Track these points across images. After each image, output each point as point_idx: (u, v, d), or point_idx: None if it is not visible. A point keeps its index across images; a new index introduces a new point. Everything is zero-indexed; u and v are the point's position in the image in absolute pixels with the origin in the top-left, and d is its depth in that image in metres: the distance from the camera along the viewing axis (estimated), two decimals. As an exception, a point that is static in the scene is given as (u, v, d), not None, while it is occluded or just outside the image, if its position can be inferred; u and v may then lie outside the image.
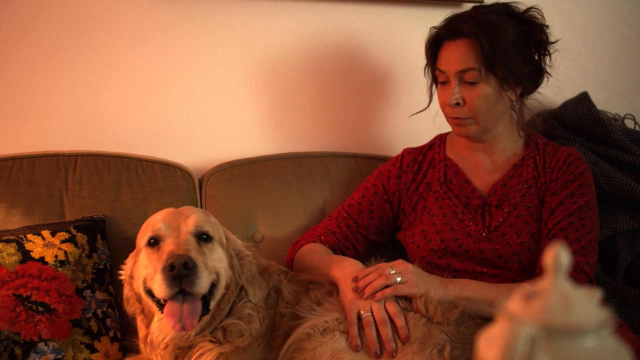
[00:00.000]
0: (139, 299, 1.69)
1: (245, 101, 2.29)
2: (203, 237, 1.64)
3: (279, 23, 2.28)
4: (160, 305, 1.60)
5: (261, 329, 1.69)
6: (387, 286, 1.65)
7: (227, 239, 1.72)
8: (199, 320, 1.58)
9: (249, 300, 1.70)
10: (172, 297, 1.54)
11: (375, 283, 1.65)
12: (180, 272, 1.51)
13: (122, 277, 1.74)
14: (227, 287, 1.67)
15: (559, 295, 0.82)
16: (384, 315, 1.63)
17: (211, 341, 1.63)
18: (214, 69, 2.26)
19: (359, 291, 1.66)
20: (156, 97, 2.23)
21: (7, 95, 2.12)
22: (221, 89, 2.27)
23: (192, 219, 1.65)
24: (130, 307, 1.72)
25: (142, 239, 1.68)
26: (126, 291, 1.73)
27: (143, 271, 1.64)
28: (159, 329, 1.65)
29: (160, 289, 1.52)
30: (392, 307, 1.64)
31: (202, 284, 1.54)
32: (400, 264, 1.71)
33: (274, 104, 2.31)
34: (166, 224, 1.65)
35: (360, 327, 1.63)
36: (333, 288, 1.76)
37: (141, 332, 1.71)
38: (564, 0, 2.49)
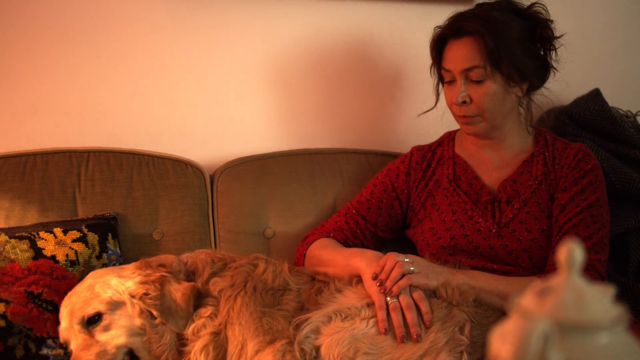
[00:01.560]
0: None
1: (257, 98, 2.30)
2: (94, 319, 1.60)
3: (290, 21, 2.28)
4: None
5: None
6: (403, 275, 1.66)
7: (130, 292, 1.65)
8: None
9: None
10: None
11: (394, 273, 1.65)
12: None
13: None
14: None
15: (573, 292, 0.82)
16: (410, 301, 1.64)
17: None
18: (226, 67, 2.26)
19: (379, 280, 1.66)
20: (168, 95, 2.23)
21: (21, 93, 2.13)
22: (233, 86, 2.27)
23: (77, 310, 1.60)
24: None
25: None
26: None
27: None
28: None
29: None
30: (417, 294, 1.65)
31: None
32: (411, 256, 1.72)
33: (285, 101, 2.32)
34: (64, 323, 1.63)
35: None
36: (352, 278, 1.76)
37: None
38: (575, -2, 2.48)
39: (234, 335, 1.62)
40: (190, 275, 1.74)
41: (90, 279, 1.67)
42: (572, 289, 0.82)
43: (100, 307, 1.59)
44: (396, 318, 1.62)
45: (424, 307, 1.63)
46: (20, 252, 1.74)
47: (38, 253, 1.76)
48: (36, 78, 2.14)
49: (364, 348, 1.60)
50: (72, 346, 1.59)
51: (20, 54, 2.12)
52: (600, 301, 0.82)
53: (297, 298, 1.73)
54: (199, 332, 1.64)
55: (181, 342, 1.66)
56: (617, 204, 2.18)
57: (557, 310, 0.80)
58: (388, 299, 1.64)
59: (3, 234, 1.77)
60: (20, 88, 2.13)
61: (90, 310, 1.59)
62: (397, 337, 1.60)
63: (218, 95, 2.27)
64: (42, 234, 1.80)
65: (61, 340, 1.63)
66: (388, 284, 1.64)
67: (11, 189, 1.96)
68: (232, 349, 1.62)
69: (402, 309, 1.63)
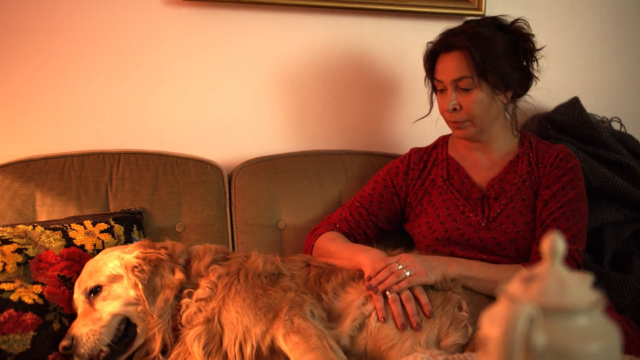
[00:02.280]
0: None
1: (270, 104, 2.29)
2: (95, 290, 1.63)
3: (300, 35, 2.28)
4: None
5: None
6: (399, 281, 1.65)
7: (126, 265, 1.66)
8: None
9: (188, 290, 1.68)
10: None
11: (387, 281, 1.64)
12: (66, 354, 1.58)
13: None
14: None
15: (555, 279, 0.82)
16: (409, 294, 1.63)
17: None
18: (241, 77, 2.26)
19: (373, 289, 1.65)
20: (190, 102, 2.23)
21: (60, 100, 2.14)
22: (248, 94, 2.27)
23: (82, 281, 1.66)
24: None
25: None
26: None
27: None
28: None
29: None
30: (416, 289, 1.65)
31: (86, 348, 1.57)
32: (404, 258, 1.70)
33: (295, 107, 2.31)
34: (75, 294, 1.68)
35: (387, 305, 1.63)
36: (355, 272, 1.75)
37: None
38: (557, 15, 2.47)
39: (231, 323, 1.59)
40: (192, 259, 1.74)
41: (99, 255, 1.72)
42: (554, 276, 0.82)
43: (101, 280, 1.64)
44: (396, 308, 1.61)
45: (423, 299, 1.63)
46: (54, 241, 1.75)
47: (69, 242, 1.77)
48: (74, 88, 2.14)
49: (387, 343, 1.58)
50: (78, 313, 1.64)
51: (62, 68, 2.12)
52: (579, 287, 0.82)
53: (292, 281, 1.72)
54: (192, 320, 1.63)
55: (175, 322, 1.65)
56: (594, 200, 2.18)
57: (541, 295, 0.80)
58: (387, 292, 1.63)
59: (39, 226, 1.78)
60: (60, 97, 2.14)
61: (91, 283, 1.64)
62: (397, 325, 1.59)
63: (235, 102, 2.27)
64: (73, 225, 1.82)
65: (74, 308, 1.67)
66: (381, 288, 1.63)
67: (52, 187, 1.97)
68: (231, 335, 1.59)
69: (401, 301, 1.63)
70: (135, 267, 1.64)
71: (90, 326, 1.58)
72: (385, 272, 1.66)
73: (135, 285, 1.63)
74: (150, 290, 1.63)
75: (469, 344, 1.56)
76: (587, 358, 0.78)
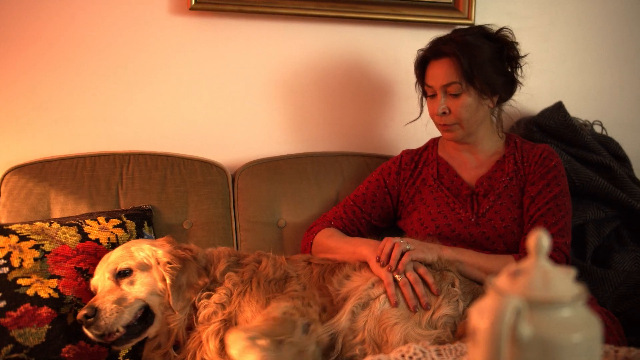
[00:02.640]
0: None
1: (271, 109, 2.30)
2: (124, 273, 1.62)
3: (299, 42, 2.28)
4: None
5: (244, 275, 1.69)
6: (402, 254, 1.65)
7: (157, 258, 1.67)
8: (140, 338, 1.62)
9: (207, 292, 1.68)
10: None
11: (394, 253, 1.64)
12: (85, 322, 1.54)
13: None
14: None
15: (540, 273, 0.82)
16: (417, 276, 1.63)
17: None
18: (245, 82, 2.26)
19: (384, 264, 1.65)
20: (197, 106, 2.24)
21: (73, 105, 2.14)
22: (250, 98, 2.27)
23: (111, 262, 1.64)
24: None
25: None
26: None
27: None
28: None
29: None
30: (421, 269, 1.65)
31: (107, 321, 1.53)
32: (405, 238, 1.72)
33: (294, 111, 2.32)
34: (97, 275, 1.65)
35: (397, 289, 1.63)
36: (356, 263, 1.75)
37: None
38: (542, 25, 2.47)
39: (245, 320, 1.60)
40: (207, 265, 1.73)
41: (129, 243, 1.71)
42: (539, 271, 0.83)
43: (132, 264, 1.62)
44: (407, 292, 1.60)
45: (430, 279, 1.63)
46: (69, 236, 1.75)
47: (84, 237, 1.77)
48: (87, 93, 2.14)
49: (391, 321, 1.58)
50: (99, 291, 1.61)
51: (76, 74, 2.13)
52: (563, 281, 0.83)
53: (298, 281, 1.72)
54: (210, 319, 1.62)
55: (190, 321, 1.65)
56: (577, 199, 2.18)
57: (527, 289, 0.81)
58: (397, 276, 1.63)
59: (56, 222, 1.78)
60: (73, 102, 2.14)
61: (123, 265, 1.62)
62: (410, 307, 1.58)
63: (238, 107, 2.27)
64: (87, 221, 1.82)
65: (91, 288, 1.65)
66: (392, 262, 1.64)
67: (65, 186, 1.98)
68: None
69: (410, 284, 1.63)
70: (168, 262, 1.64)
71: (115, 303, 1.56)
72: (389, 245, 1.66)
73: (163, 279, 1.63)
74: (177, 287, 1.62)
75: (460, 322, 1.57)
76: (570, 348, 0.79)
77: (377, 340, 1.57)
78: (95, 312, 1.52)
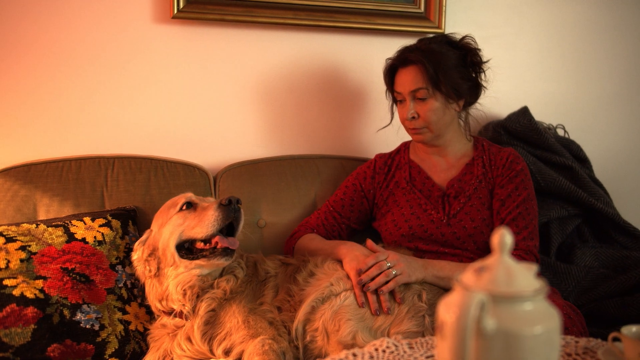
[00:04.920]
0: (159, 263, 1.70)
1: (251, 114, 2.29)
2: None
3: (278, 49, 2.28)
4: (192, 256, 1.67)
5: (244, 278, 1.74)
6: (387, 281, 1.67)
7: None
8: (232, 257, 1.66)
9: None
10: (216, 235, 1.64)
11: (378, 280, 1.66)
12: (235, 206, 1.64)
13: (135, 255, 1.75)
14: None
15: (503, 269, 0.83)
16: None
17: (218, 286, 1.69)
18: (226, 88, 2.25)
19: (364, 285, 1.66)
20: (179, 111, 2.22)
21: (59, 109, 2.11)
22: (231, 105, 2.27)
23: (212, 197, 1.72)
24: (144, 274, 1.73)
25: (170, 210, 1.74)
26: (141, 262, 1.73)
27: (177, 229, 1.69)
28: (178, 281, 1.67)
29: (212, 224, 1.63)
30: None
31: (242, 223, 1.67)
32: (392, 256, 1.71)
33: (274, 116, 2.31)
34: (195, 197, 1.75)
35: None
36: (318, 260, 1.79)
37: (155, 292, 1.71)
38: (508, 33, 2.50)
39: (225, 319, 1.64)
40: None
41: None
42: (503, 267, 0.84)
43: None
44: (371, 296, 1.65)
45: (396, 287, 1.67)
46: (55, 237, 1.73)
47: (71, 237, 1.75)
48: (72, 98, 2.12)
49: (346, 316, 1.61)
50: (207, 203, 1.74)
51: (62, 80, 2.10)
52: (525, 276, 0.84)
53: (275, 282, 1.75)
54: (211, 296, 1.67)
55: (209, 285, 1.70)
56: (542, 198, 2.21)
57: (491, 284, 0.82)
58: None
59: (42, 224, 1.76)
60: (59, 106, 2.11)
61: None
62: (371, 310, 1.63)
63: (219, 111, 2.26)
64: (74, 222, 1.80)
65: (185, 201, 1.73)
66: (372, 285, 1.66)
67: (51, 188, 1.95)
68: (221, 327, 1.65)
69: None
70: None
71: None
72: (375, 270, 1.67)
73: None
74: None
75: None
76: (532, 339, 0.80)
77: (328, 329, 1.60)
78: (240, 208, 1.72)
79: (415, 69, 1.85)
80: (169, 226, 1.70)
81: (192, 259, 1.66)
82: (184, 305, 1.66)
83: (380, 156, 2.08)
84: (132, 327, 1.73)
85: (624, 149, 2.66)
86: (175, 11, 2.11)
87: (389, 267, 1.67)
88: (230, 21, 2.18)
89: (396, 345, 1.18)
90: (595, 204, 2.21)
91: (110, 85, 2.15)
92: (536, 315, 0.81)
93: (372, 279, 1.66)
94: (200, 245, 1.67)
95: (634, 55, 2.63)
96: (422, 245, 1.87)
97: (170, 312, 1.69)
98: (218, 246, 1.65)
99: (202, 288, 1.67)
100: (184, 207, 1.72)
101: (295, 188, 2.16)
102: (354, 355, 1.13)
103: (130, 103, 2.17)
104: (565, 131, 2.46)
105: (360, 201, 2.02)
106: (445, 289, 1.72)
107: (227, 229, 1.70)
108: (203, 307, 1.65)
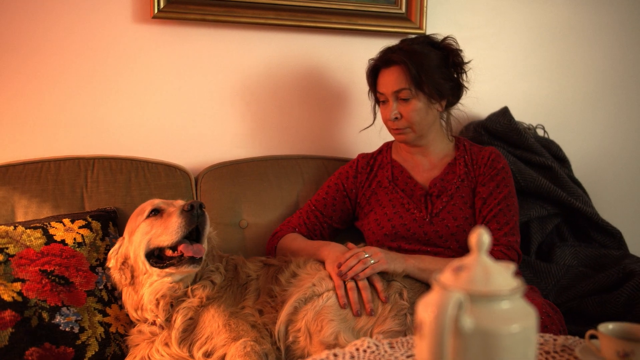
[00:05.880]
0: (132, 271, 1.69)
1: (233, 114, 2.28)
2: None
3: (259, 50, 2.27)
4: (161, 264, 1.64)
5: (223, 283, 1.73)
6: (365, 268, 1.68)
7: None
8: (200, 265, 1.64)
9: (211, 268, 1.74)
10: (182, 242, 1.61)
11: (356, 267, 1.67)
12: (198, 212, 1.61)
13: (110, 264, 1.73)
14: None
15: (481, 269, 0.84)
16: (366, 283, 1.67)
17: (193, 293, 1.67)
18: (207, 88, 2.24)
19: (342, 275, 1.68)
20: (160, 112, 2.21)
21: (38, 109, 2.09)
22: (213, 105, 2.26)
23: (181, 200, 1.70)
24: (120, 283, 1.71)
25: (138, 218, 1.71)
26: (116, 270, 1.71)
27: (144, 238, 1.66)
28: (151, 291, 1.65)
29: (176, 231, 1.60)
30: (373, 275, 1.69)
31: (207, 229, 1.65)
32: (369, 247, 1.74)
33: (255, 116, 2.31)
34: (162, 202, 1.71)
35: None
36: (300, 260, 1.79)
37: (131, 301, 1.69)
38: (488, 34, 2.51)
39: (205, 324, 1.63)
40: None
41: None
42: (480, 266, 0.84)
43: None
44: (352, 296, 1.65)
45: (380, 286, 1.67)
46: (34, 239, 1.71)
47: (50, 239, 1.73)
48: (51, 98, 2.10)
49: (328, 317, 1.61)
50: (173, 208, 1.70)
51: (39, 80, 2.08)
52: (502, 276, 0.85)
53: (256, 285, 1.75)
54: (187, 306, 1.66)
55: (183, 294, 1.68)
56: (522, 198, 2.23)
57: (469, 283, 0.82)
58: (346, 280, 1.67)
59: (20, 226, 1.73)
60: (38, 106, 2.09)
61: None
62: (353, 311, 1.64)
63: (201, 111, 2.25)
64: (53, 223, 1.78)
65: (152, 207, 1.71)
66: (350, 274, 1.67)
67: (29, 189, 1.92)
68: (201, 332, 1.64)
69: (358, 289, 1.66)
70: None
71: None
72: (354, 259, 1.69)
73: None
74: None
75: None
76: (509, 337, 0.80)
77: (311, 329, 1.60)
78: (204, 212, 1.68)
79: (398, 70, 1.86)
80: (138, 234, 1.68)
81: (162, 267, 1.64)
82: (157, 316, 1.65)
83: (363, 156, 2.08)
84: (112, 329, 1.71)
85: (603, 149, 2.69)
86: (156, 11, 2.10)
87: (367, 257, 1.69)
88: (211, 21, 2.17)
89: (377, 345, 1.18)
90: (575, 204, 2.23)
91: (90, 85, 2.13)
92: (513, 313, 0.82)
93: (351, 268, 1.68)
94: (169, 252, 1.65)
95: (612, 56, 2.66)
96: (405, 244, 1.88)
97: (145, 321, 1.68)
98: (184, 255, 1.62)
99: (175, 297, 1.66)
100: (152, 214, 1.69)
101: (277, 188, 2.15)
102: (335, 355, 1.13)
103: (110, 103, 2.16)
104: (544, 131, 2.48)
105: (343, 201, 2.03)
106: (428, 285, 1.73)
107: (196, 232, 1.67)
108: (179, 319, 1.63)
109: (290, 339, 1.63)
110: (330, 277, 1.71)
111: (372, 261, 1.68)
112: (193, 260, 1.62)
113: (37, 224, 1.76)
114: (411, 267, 1.73)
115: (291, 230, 2.00)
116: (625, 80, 2.69)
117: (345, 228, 2.08)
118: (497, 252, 1.78)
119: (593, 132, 2.67)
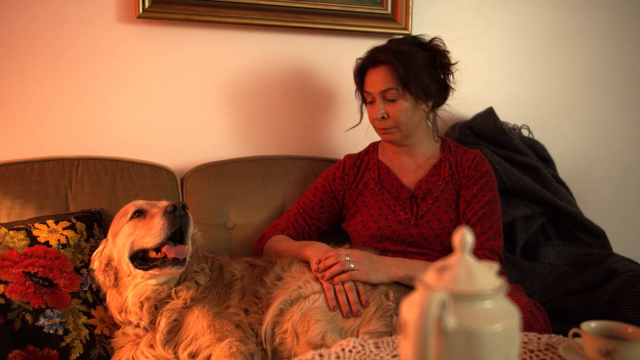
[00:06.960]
0: (116, 273, 1.68)
1: (218, 114, 2.28)
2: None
3: (245, 50, 2.27)
4: (145, 266, 1.63)
5: (208, 283, 1.73)
6: (343, 271, 1.69)
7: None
8: (184, 266, 1.63)
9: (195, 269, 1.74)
10: (166, 243, 1.60)
11: (334, 268, 1.68)
12: (181, 212, 1.60)
13: (94, 265, 1.72)
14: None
15: (464, 269, 0.84)
16: (351, 284, 1.68)
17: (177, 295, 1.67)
18: (193, 90, 2.24)
19: (319, 272, 1.68)
20: (145, 111, 2.20)
21: (21, 110, 2.08)
22: (199, 105, 2.25)
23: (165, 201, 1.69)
24: (104, 284, 1.70)
25: (121, 219, 1.70)
26: (100, 272, 1.70)
27: (128, 239, 1.65)
28: (135, 293, 1.65)
29: (159, 233, 1.59)
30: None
31: (191, 230, 1.64)
32: (354, 253, 1.73)
33: (241, 116, 2.31)
34: (146, 203, 1.71)
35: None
36: (285, 263, 1.79)
37: (115, 303, 1.69)
38: (474, 35, 2.53)
39: (190, 325, 1.63)
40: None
41: None
42: (464, 266, 0.85)
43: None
44: (342, 298, 1.66)
45: (362, 288, 1.68)
46: (17, 241, 1.70)
47: (33, 240, 1.72)
48: (35, 99, 2.08)
49: (315, 317, 1.62)
50: (156, 209, 1.69)
51: (23, 80, 2.07)
52: (485, 275, 0.85)
53: (241, 284, 1.75)
54: (171, 307, 1.65)
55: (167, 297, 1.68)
56: (507, 198, 2.24)
57: (452, 283, 0.83)
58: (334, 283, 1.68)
59: (3, 227, 1.72)
60: (21, 107, 2.07)
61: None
62: (343, 313, 1.64)
63: (186, 112, 2.24)
64: (36, 225, 1.76)
65: (136, 209, 1.70)
66: (327, 274, 1.68)
67: (12, 191, 1.91)
68: (185, 333, 1.63)
69: (345, 291, 1.67)
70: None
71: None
72: (333, 259, 1.69)
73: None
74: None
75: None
76: (492, 337, 0.81)
77: (297, 330, 1.61)
78: (187, 213, 1.67)
79: (385, 69, 1.86)
80: (121, 236, 1.67)
81: (146, 269, 1.63)
82: (140, 319, 1.65)
83: (350, 157, 2.08)
84: (97, 331, 1.70)
85: (586, 149, 2.72)
86: (141, 11, 2.09)
87: (347, 260, 1.69)
88: (196, 21, 2.17)
89: (362, 345, 1.18)
90: (559, 203, 2.25)
91: (74, 85, 2.11)
92: (496, 313, 0.82)
93: (328, 268, 1.69)
94: (152, 254, 1.64)
95: (596, 57, 2.69)
96: (390, 245, 1.88)
97: (130, 323, 1.68)
98: (167, 256, 1.62)
99: (159, 299, 1.66)
100: (135, 216, 1.69)
101: (264, 189, 2.15)
102: (321, 355, 1.13)
103: (95, 103, 2.14)
104: (529, 131, 2.50)
105: (330, 202, 2.03)
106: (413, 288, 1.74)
107: (179, 234, 1.67)
108: (163, 322, 1.63)
109: (277, 340, 1.63)
110: (317, 279, 1.72)
111: (351, 265, 1.69)
112: (177, 262, 1.61)
113: (21, 226, 1.74)
114: (398, 278, 1.73)
115: (279, 233, 2.00)
116: (608, 81, 2.72)
117: (332, 229, 2.08)
118: (481, 257, 1.79)
119: (577, 132, 2.70)
